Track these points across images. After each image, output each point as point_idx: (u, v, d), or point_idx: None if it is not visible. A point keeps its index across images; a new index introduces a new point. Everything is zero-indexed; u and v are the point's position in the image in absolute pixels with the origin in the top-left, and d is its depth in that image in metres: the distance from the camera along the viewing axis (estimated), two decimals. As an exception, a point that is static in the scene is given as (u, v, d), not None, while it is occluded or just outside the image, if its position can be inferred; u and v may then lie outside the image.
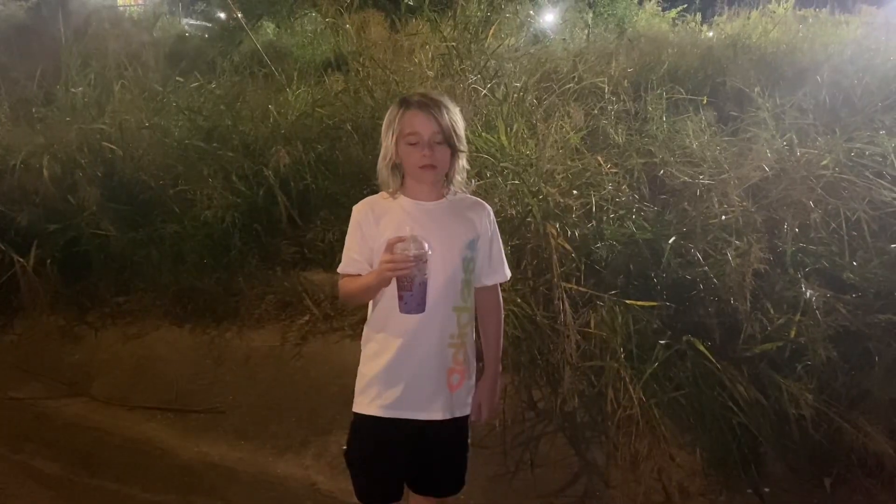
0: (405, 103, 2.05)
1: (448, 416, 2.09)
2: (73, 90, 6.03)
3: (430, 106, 2.01)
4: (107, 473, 3.48)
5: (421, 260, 1.87)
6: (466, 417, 2.18)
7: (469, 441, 2.22)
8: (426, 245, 1.88)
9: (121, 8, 13.99)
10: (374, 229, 2.06)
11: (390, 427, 2.05)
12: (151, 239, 4.91)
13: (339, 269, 2.15)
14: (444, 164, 2.05)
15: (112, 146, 5.38)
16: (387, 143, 2.06)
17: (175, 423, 3.93)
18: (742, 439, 3.05)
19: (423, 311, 1.95)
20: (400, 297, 1.93)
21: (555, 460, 3.28)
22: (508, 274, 2.27)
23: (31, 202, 5.13)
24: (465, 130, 2.13)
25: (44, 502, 3.30)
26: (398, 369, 2.04)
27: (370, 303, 2.14)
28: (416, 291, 1.91)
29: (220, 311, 4.64)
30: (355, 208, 2.15)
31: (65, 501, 3.30)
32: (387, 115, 2.09)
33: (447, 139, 2.01)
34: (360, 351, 2.17)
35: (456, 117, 2.05)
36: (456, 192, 2.15)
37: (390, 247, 1.91)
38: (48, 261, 4.92)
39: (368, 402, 2.07)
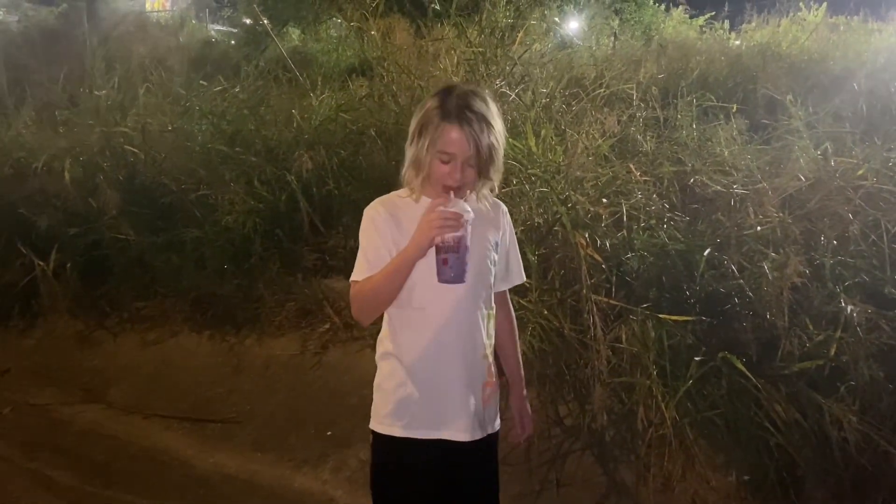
0: (446, 114, 1.77)
1: (483, 434, 1.93)
2: (96, 93, 6.02)
3: (472, 122, 1.75)
4: (121, 484, 3.40)
5: (467, 221, 1.71)
6: (497, 434, 2.03)
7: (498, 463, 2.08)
8: (469, 208, 1.73)
9: (149, 13, 14.16)
10: (395, 231, 1.87)
11: (423, 450, 1.87)
12: (172, 244, 4.88)
13: (355, 277, 1.89)
14: (468, 186, 1.85)
15: (134, 149, 5.35)
16: (419, 147, 1.81)
17: (192, 432, 3.85)
18: (780, 462, 2.91)
19: (462, 281, 1.75)
20: (444, 262, 1.72)
21: (582, 480, 3.16)
22: (524, 276, 2.14)
23: (52, 205, 5.12)
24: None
25: (56, 513, 3.24)
26: (433, 385, 1.87)
27: (387, 315, 1.94)
28: (462, 254, 1.72)
29: (239, 318, 4.59)
30: (369, 209, 1.95)
31: (77, 512, 3.24)
32: (423, 113, 1.83)
33: (480, 165, 1.80)
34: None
35: (498, 135, 1.81)
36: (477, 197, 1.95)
37: (434, 205, 1.72)
38: (68, 265, 4.92)
39: (404, 425, 1.87)
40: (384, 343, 1.97)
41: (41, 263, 4.85)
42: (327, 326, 4.33)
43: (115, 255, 4.98)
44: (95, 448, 3.74)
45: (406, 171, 1.89)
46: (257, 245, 4.69)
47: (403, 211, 1.89)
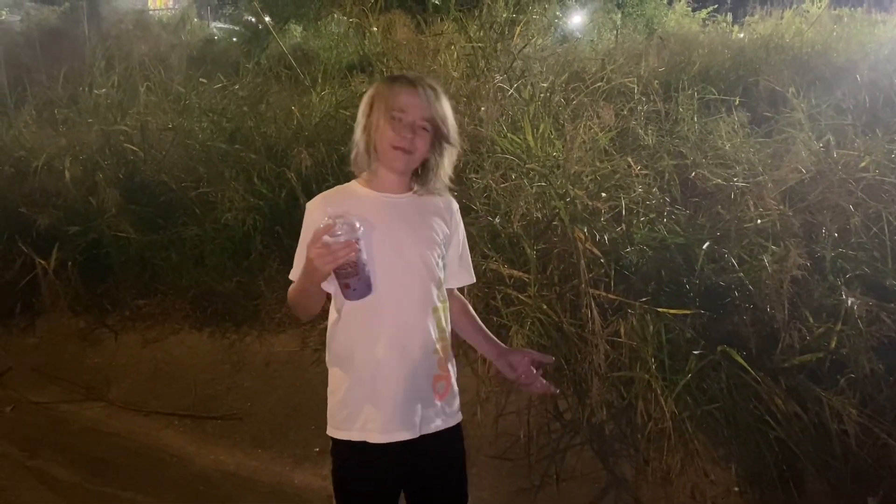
0: (394, 78, 1.86)
1: (440, 428, 1.90)
2: (96, 92, 6.03)
3: (426, 87, 1.81)
4: (121, 481, 3.41)
5: (358, 240, 1.64)
6: (457, 427, 1.99)
7: (465, 454, 2.02)
8: (357, 222, 1.65)
9: (151, 12, 14.14)
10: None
11: (380, 453, 1.84)
12: (172, 241, 4.89)
13: (291, 275, 1.92)
14: (419, 154, 1.84)
15: (134, 148, 5.35)
16: (368, 121, 1.82)
17: (192, 429, 3.85)
18: (780, 455, 2.89)
19: (371, 291, 1.72)
20: (346, 286, 1.69)
21: (582, 474, 3.14)
22: (473, 277, 2.11)
23: (52, 204, 5.12)
24: (457, 125, 1.90)
25: (56, 510, 3.24)
26: (385, 387, 1.83)
27: (332, 317, 1.91)
28: (362, 273, 1.68)
29: (240, 316, 4.59)
30: (310, 204, 1.92)
31: (77, 509, 3.24)
32: (368, 92, 1.86)
33: (434, 128, 1.82)
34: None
35: (448, 108, 1.85)
36: (425, 190, 1.93)
37: (318, 237, 1.63)
38: (69, 263, 4.91)
39: (358, 429, 1.84)
40: (332, 347, 1.93)
41: (42, 262, 4.85)
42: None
43: (115, 254, 4.98)
44: (96, 445, 3.75)
45: (354, 157, 1.87)
46: (257, 242, 4.68)
47: (354, 205, 1.83)
